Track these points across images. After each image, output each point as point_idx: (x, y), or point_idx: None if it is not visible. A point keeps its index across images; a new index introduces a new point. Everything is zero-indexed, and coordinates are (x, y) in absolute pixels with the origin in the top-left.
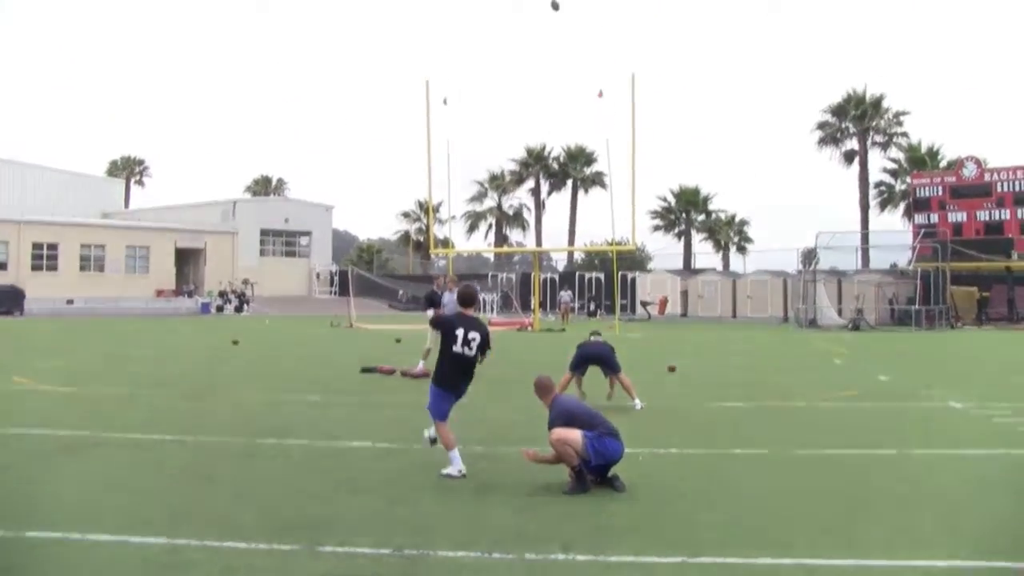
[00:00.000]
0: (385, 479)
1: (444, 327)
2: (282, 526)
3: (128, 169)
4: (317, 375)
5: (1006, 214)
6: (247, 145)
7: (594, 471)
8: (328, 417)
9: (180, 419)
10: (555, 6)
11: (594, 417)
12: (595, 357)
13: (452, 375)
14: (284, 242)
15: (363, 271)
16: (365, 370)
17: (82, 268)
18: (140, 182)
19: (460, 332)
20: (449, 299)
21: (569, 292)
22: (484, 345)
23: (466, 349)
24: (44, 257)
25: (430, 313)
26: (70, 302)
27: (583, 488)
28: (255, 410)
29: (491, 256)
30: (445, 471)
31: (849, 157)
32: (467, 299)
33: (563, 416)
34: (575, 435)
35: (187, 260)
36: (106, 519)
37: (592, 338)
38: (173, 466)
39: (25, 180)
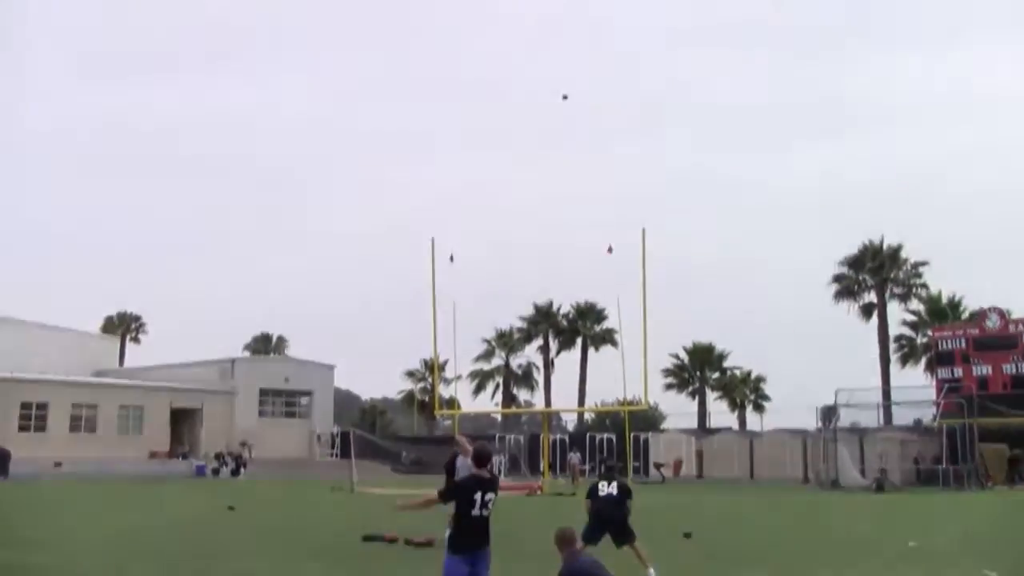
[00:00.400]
0: None
1: (460, 495)
2: None
3: (124, 326)
4: (317, 542)
5: None
6: (248, 302)
7: None
8: None
9: None
10: (565, 97)
11: None
12: (608, 521)
13: (470, 537)
14: (284, 402)
15: (365, 433)
16: (368, 538)
17: (72, 429)
18: (136, 339)
19: (478, 497)
20: (462, 463)
21: (578, 453)
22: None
23: (484, 511)
24: (33, 417)
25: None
26: (58, 464)
27: None
28: None
29: (498, 416)
30: None
31: (867, 311)
32: (483, 458)
33: None
34: None
35: (183, 420)
36: None
37: (602, 487)
38: None
39: (15, 336)
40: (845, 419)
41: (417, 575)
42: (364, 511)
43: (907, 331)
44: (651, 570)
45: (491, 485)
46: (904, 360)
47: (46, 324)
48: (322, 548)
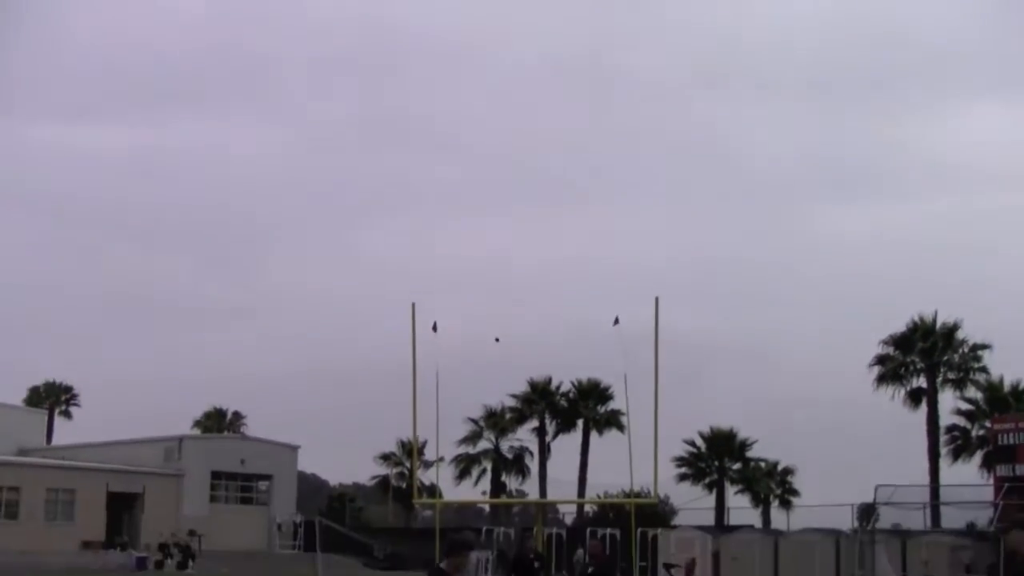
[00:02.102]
0: None
1: None
2: None
3: (52, 398)
4: None
5: None
6: (198, 372)
7: None
8: None
9: None
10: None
11: None
12: None
13: None
14: (239, 487)
15: (333, 523)
16: None
17: None
18: (66, 413)
19: None
20: None
21: (583, 552)
22: None
23: None
24: None
25: None
26: None
27: None
28: None
29: (486, 508)
30: None
31: (915, 397)
32: (453, 549)
33: None
34: None
35: (121, 506)
36: None
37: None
38: None
39: None
40: (886, 520)
41: None
42: None
43: (961, 421)
44: None
45: None
46: (956, 454)
47: None
48: None
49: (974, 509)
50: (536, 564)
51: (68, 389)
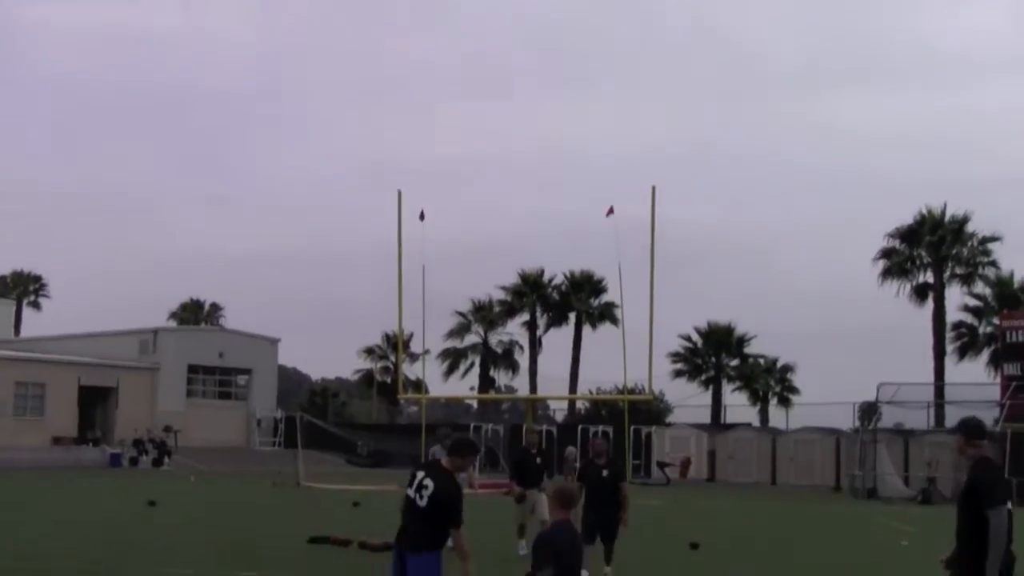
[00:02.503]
0: None
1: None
2: None
3: (20, 287)
4: (254, 546)
5: None
6: (174, 261)
7: None
8: None
9: None
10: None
11: None
12: (603, 521)
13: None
14: (217, 381)
15: (315, 418)
16: (315, 540)
17: None
18: (36, 304)
19: (419, 474)
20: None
21: (574, 449)
22: (437, 501)
23: (417, 496)
24: None
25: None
26: None
27: None
28: None
29: (474, 403)
30: None
31: (921, 292)
32: (456, 448)
33: (548, 551)
34: None
35: (94, 401)
36: None
37: (598, 461)
38: None
39: None
40: (888, 419)
41: None
42: (311, 509)
43: (968, 318)
44: (608, 569)
45: (434, 472)
46: (962, 352)
47: None
48: (260, 552)
49: (980, 409)
50: (538, 460)
51: (37, 279)
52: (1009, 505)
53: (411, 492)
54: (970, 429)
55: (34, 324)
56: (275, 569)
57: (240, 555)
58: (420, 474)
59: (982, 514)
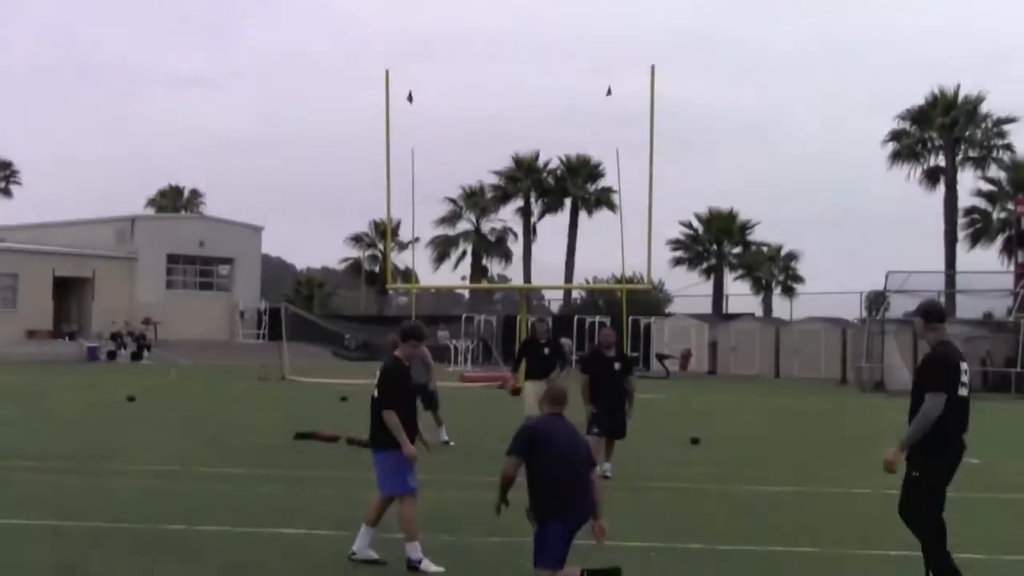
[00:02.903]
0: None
1: None
2: None
3: None
4: (238, 442)
5: None
6: (151, 146)
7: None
8: (252, 497)
9: (54, 499)
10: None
11: (575, 470)
12: (614, 416)
13: None
14: (198, 271)
15: (300, 310)
16: (301, 436)
17: None
18: (6, 191)
19: (377, 370)
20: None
21: (569, 341)
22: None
23: (374, 391)
24: None
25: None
26: None
27: None
28: (157, 487)
29: (465, 294)
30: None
31: (932, 177)
32: (402, 335)
33: (522, 438)
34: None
35: (70, 293)
36: None
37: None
38: (40, 562)
39: None
40: (896, 309)
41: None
42: (297, 404)
43: (982, 203)
44: (608, 465)
45: (383, 362)
46: (975, 239)
47: None
48: (244, 448)
49: (992, 298)
50: (546, 351)
51: (7, 165)
52: (965, 392)
53: (374, 389)
54: (929, 313)
55: (4, 213)
56: (261, 464)
57: (224, 451)
58: (377, 370)
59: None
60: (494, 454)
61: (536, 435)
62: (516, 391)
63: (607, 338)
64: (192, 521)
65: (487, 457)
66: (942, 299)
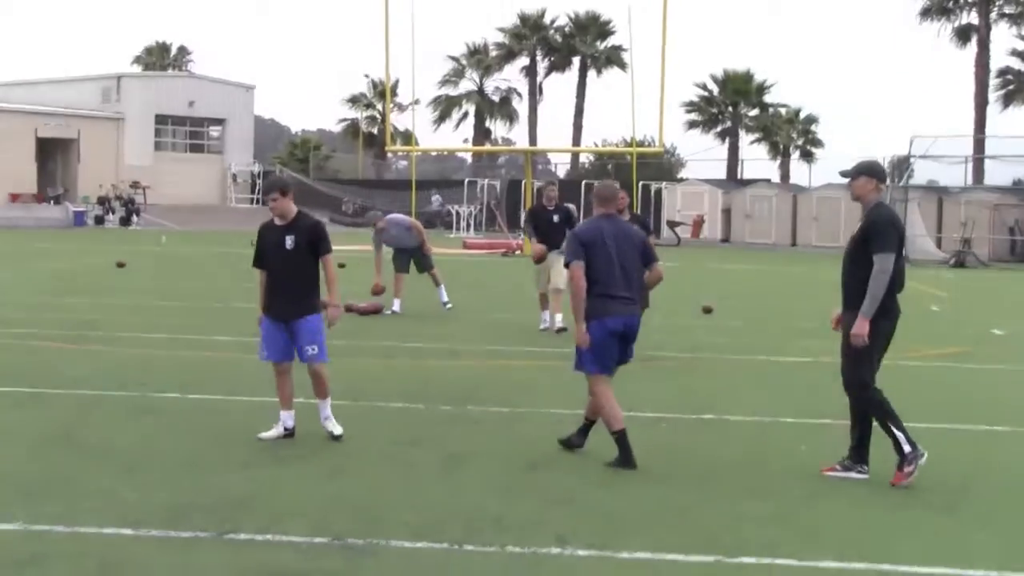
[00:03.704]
0: (319, 445)
1: None
2: (183, 506)
3: None
4: (232, 311)
5: None
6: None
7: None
8: (244, 365)
9: (44, 367)
10: None
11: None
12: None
13: None
14: (188, 133)
15: (295, 173)
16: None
17: None
18: None
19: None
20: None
21: (572, 206)
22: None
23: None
24: None
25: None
26: None
27: (626, 461)
28: (149, 356)
29: (468, 157)
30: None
31: (964, 35)
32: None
33: (575, 242)
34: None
35: (54, 154)
36: None
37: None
38: (34, 430)
39: None
40: (921, 175)
41: (358, 348)
42: None
43: (1016, 63)
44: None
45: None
46: (1007, 100)
47: None
48: (238, 317)
49: (1023, 164)
50: (555, 218)
51: None
52: (905, 254)
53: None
54: (875, 172)
55: None
56: (254, 333)
57: (217, 321)
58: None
59: (870, 259)
60: (496, 324)
61: (584, 237)
62: (541, 258)
63: (620, 203)
64: (187, 389)
65: (490, 328)
66: (969, 165)
